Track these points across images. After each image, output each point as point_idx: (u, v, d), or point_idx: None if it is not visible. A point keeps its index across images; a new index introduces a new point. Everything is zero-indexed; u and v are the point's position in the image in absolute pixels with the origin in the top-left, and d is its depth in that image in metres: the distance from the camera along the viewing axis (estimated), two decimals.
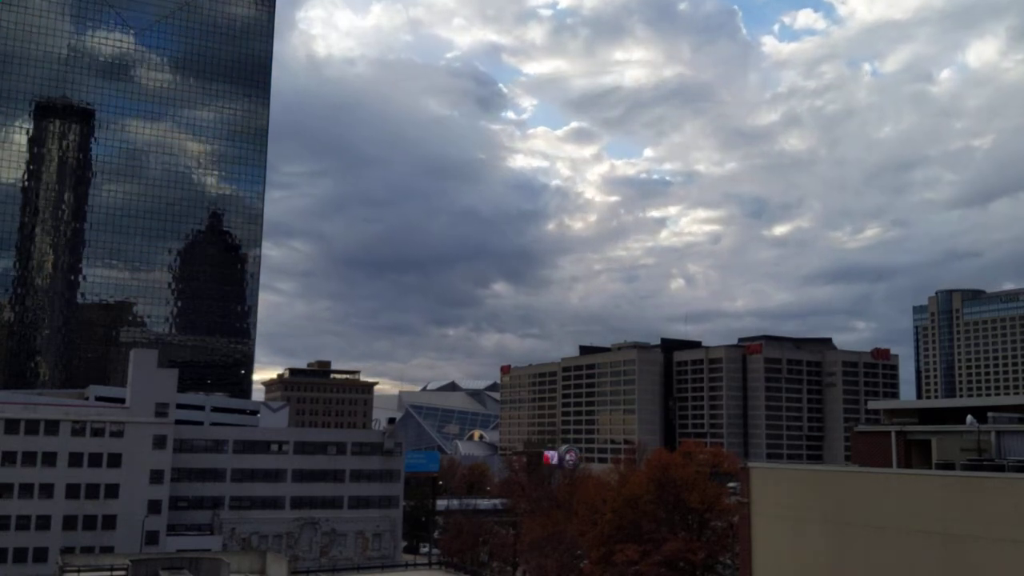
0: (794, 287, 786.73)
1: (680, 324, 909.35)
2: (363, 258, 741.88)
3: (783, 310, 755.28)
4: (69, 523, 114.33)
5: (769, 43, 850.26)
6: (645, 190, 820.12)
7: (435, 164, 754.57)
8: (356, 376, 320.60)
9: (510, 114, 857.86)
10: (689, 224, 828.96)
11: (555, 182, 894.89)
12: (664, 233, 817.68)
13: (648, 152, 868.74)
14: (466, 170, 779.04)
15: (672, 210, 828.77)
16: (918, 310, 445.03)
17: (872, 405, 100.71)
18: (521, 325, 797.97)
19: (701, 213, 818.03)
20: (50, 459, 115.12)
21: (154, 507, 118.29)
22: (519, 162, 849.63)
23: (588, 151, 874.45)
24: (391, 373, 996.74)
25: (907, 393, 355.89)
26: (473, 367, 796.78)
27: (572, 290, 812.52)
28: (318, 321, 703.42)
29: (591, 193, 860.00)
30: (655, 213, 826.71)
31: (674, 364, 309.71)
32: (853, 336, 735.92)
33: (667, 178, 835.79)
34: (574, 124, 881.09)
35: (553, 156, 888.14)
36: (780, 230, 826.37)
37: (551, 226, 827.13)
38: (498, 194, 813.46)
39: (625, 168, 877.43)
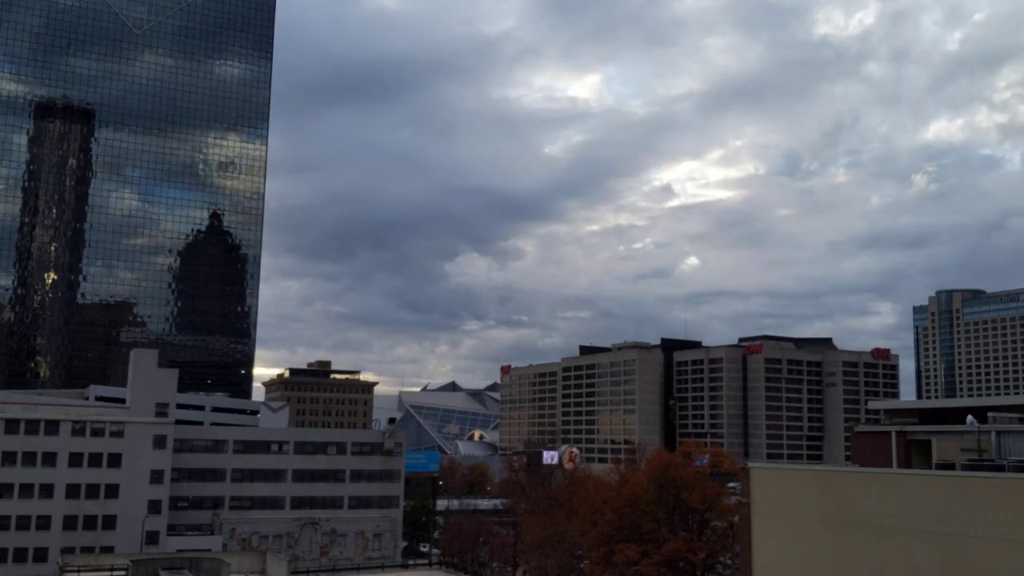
0: (817, 258, 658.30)
1: (682, 309, 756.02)
2: (305, 224, 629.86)
3: (800, 289, 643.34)
4: (69, 523, 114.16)
5: None
6: (651, 132, 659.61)
7: (380, 85, 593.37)
8: (356, 376, 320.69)
9: (483, 27, 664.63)
10: (700, 181, 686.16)
11: (543, 124, 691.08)
12: (673, 202, 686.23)
13: (659, 89, 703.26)
14: (423, 102, 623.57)
15: (685, 165, 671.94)
16: (918, 310, 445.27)
17: (872, 405, 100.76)
18: (505, 311, 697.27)
19: (716, 171, 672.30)
20: (50, 459, 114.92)
21: (154, 507, 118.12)
22: (495, 93, 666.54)
23: (586, 81, 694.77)
24: (371, 366, 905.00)
25: (907, 393, 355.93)
26: (459, 361, 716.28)
27: (562, 269, 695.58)
28: (282, 304, 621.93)
29: (583, 134, 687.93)
30: (663, 174, 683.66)
31: (674, 364, 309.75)
32: (877, 320, 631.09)
33: (678, 116, 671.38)
34: (562, 38, 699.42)
35: (541, 88, 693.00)
36: (806, 184, 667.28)
37: (533, 184, 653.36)
38: (466, 137, 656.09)
39: (630, 107, 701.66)
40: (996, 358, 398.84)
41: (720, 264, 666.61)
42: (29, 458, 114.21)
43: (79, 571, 79.80)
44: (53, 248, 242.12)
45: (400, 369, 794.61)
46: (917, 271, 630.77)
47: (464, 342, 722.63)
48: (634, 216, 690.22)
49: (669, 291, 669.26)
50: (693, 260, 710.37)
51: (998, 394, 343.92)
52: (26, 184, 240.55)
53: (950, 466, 41.25)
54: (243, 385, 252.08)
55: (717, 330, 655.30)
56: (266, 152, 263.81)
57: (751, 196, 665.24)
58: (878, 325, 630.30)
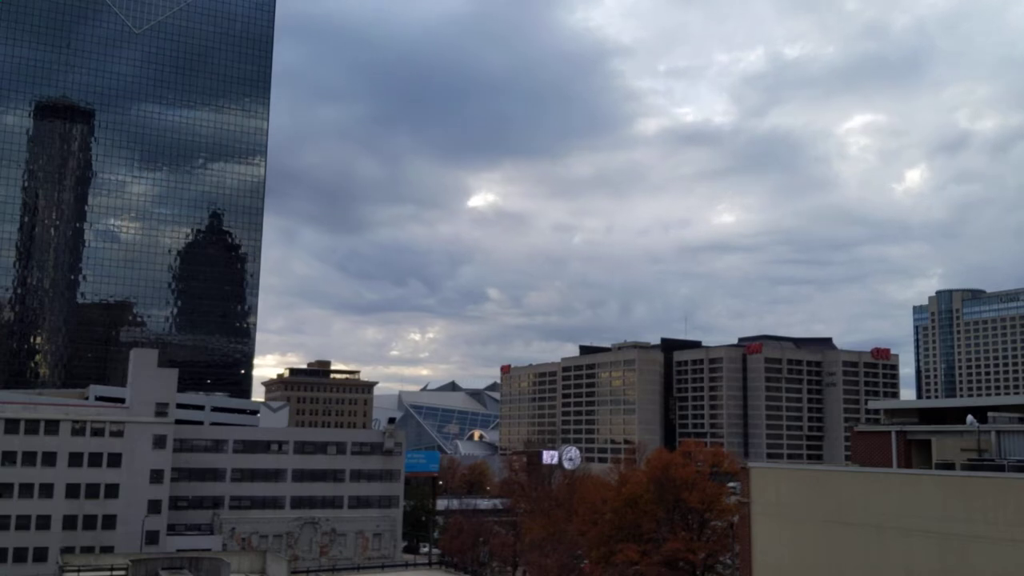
0: (863, 178, 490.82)
1: (679, 278, 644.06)
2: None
3: (832, 235, 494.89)
4: (69, 523, 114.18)
5: None
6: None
7: None
8: (356, 376, 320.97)
9: None
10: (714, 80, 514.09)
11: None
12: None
13: None
14: None
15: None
16: (918, 310, 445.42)
17: (872, 405, 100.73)
18: (464, 279, 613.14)
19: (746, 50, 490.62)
20: (50, 459, 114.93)
21: (154, 507, 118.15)
22: None
23: None
24: (334, 354, 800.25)
25: (907, 393, 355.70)
26: (434, 348, 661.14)
27: (510, 203, 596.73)
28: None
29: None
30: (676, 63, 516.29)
31: (674, 364, 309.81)
32: (921, 288, 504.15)
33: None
34: None
35: None
36: (863, 43, 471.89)
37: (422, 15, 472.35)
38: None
39: None
40: (996, 358, 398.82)
41: (732, 190, 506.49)
42: (29, 458, 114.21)
43: (79, 571, 79.79)
44: (53, 248, 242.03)
45: (369, 357, 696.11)
46: (999, 207, 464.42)
47: (434, 324, 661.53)
48: (604, 99, 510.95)
49: (662, 246, 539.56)
50: (694, 177, 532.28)
51: (998, 394, 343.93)
52: (26, 184, 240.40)
53: (950, 466, 41.25)
54: (243, 385, 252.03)
55: (720, 305, 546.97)
56: (266, 151, 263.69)
57: (788, 57, 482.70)
58: (916, 296, 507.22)
